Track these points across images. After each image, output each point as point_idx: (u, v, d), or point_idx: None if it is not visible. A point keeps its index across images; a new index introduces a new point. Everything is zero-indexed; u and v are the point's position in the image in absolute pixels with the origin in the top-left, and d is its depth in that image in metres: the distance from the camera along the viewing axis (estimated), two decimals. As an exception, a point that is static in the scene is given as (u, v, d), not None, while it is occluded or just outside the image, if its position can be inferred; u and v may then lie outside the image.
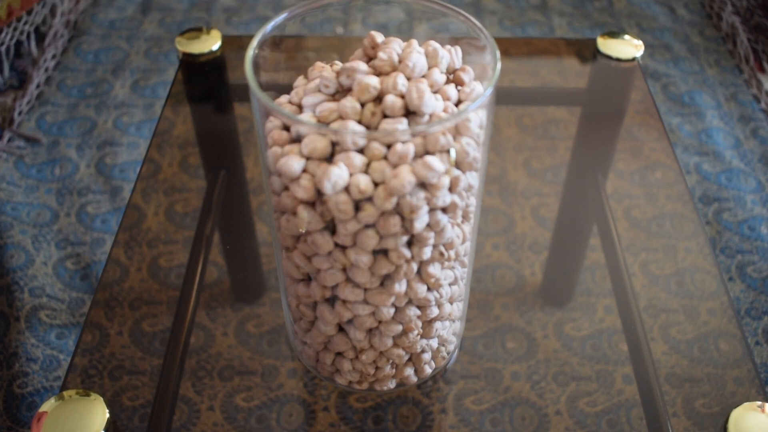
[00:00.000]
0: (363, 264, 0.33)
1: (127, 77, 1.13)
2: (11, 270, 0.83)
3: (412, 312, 0.36)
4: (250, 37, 0.35)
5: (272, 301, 0.49)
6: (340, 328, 0.38)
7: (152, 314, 0.48)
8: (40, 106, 1.07)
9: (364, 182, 0.30)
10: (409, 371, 0.41)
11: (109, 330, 0.47)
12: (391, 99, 0.32)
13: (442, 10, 0.37)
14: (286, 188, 0.33)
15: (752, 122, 1.06)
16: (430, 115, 0.33)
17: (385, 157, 0.31)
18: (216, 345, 0.46)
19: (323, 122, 0.33)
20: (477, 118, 0.32)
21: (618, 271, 0.50)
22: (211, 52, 0.65)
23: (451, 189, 0.32)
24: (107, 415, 0.39)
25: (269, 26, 0.36)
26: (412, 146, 0.31)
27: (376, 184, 0.31)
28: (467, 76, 0.35)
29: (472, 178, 0.34)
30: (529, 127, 0.63)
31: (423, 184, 0.31)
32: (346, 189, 0.31)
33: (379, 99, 0.32)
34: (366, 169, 0.31)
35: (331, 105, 0.33)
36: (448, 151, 0.31)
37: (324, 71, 0.35)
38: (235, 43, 0.67)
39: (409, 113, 0.32)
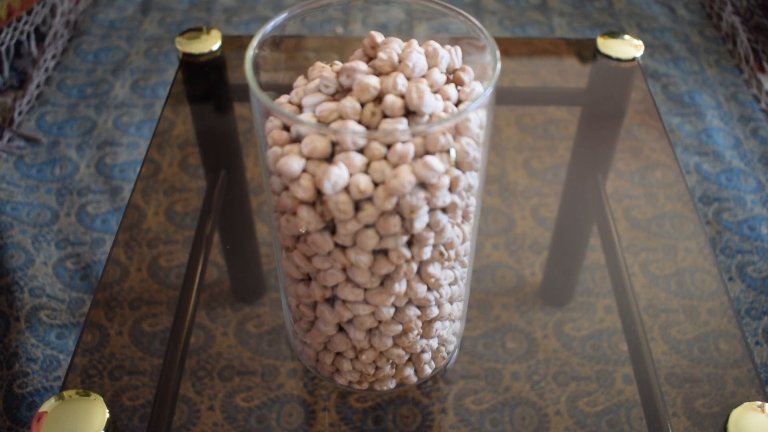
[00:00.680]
0: (363, 264, 0.33)
1: (127, 77, 1.13)
2: (11, 270, 0.83)
3: (412, 312, 0.36)
4: (250, 37, 0.35)
5: (272, 301, 0.49)
6: (340, 328, 0.38)
7: (152, 314, 0.47)
8: (40, 106, 1.07)
9: (364, 182, 0.30)
10: (409, 371, 0.41)
11: (109, 330, 0.47)
12: (391, 99, 0.32)
13: (442, 10, 0.37)
14: (286, 188, 0.33)
15: (752, 122, 1.06)
16: (430, 115, 0.33)
17: (385, 157, 0.31)
18: (216, 345, 0.46)
19: (323, 122, 0.33)
20: (477, 118, 0.32)
21: (618, 271, 0.50)
22: (211, 52, 0.65)
23: (451, 189, 0.32)
24: (107, 415, 0.39)
25: (269, 26, 0.36)
26: (412, 146, 0.31)
27: (376, 184, 0.31)
28: (467, 76, 0.35)
29: (472, 178, 0.34)
30: (529, 127, 0.63)
31: (423, 184, 0.31)
32: (346, 189, 0.31)
33: (379, 99, 0.32)
34: (366, 169, 0.31)
35: (331, 105, 0.33)
36: (448, 151, 0.31)
37: (324, 71, 0.35)
38: (235, 43, 0.67)
39: (409, 113, 0.32)
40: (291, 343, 0.44)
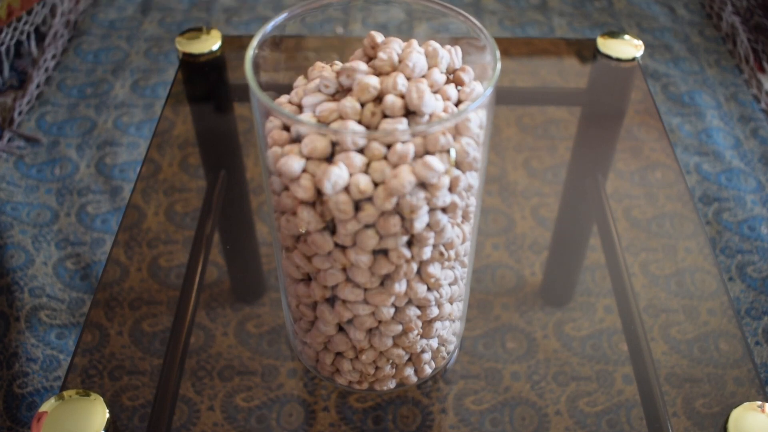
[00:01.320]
0: (363, 264, 0.33)
1: (127, 77, 1.13)
2: (11, 270, 0.83)
3: (412, 312, 0.36)
4: (250, 37, 0.35)
5: (272, 301, 0.49)
6: (340, 328, 0.38)
7: (152, 314, 0.47)
8: (40, 106, 1.07)
9: (364, 182, 0.30)
10: (409, 371, 0.41)
11: (109, 330, 0.47)
12: (391, 99, 0.32)
13: (442, 10, 0.37)
14: (286, 188, 0.33)
15: (752, 122, 1.06)
16: (430, 115, 0.33)
17: (385, 157, 0.31)
18: (216, 345, 0.46)
19: (323, 122, 0.33)
20: (477, 118, 0.32)
21: (618, 271, 0.50)
22: (211, 52, 0.65)
23: (451, 189, 0.32)
24: (107, 415, 0.39)
25: (269, 26, 0.36)
26: (412, 146, 0.31)
27: (376, 184, 0.31)
28: (467, 76, 0.35)
29: (472, 178, 0.34)
30: (529, 127, 0.63)
31: (423, 184, 0.31)
32: (346, 189, 0.31)
33: (379, 99, 0.32)
34: (366, 169, 0.31)
35: (331, 105, 0.33)
36: (448, 151, 0.31)
37: (324, 71, 0.35)
38: (235, 43, 0.67)
39: (409, 113, 0.32)
40: (291, 343, 0.44)
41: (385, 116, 0.32)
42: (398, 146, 0.30)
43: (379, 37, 0.35)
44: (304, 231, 0.33)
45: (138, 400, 0.43)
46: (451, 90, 0.34)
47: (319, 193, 0.32)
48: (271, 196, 0.35)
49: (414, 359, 0.40)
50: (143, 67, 1.15)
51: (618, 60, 0.65)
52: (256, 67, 0.34)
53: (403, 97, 0.32)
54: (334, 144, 0.31)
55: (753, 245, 0.87)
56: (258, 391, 0.43)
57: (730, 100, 1.10)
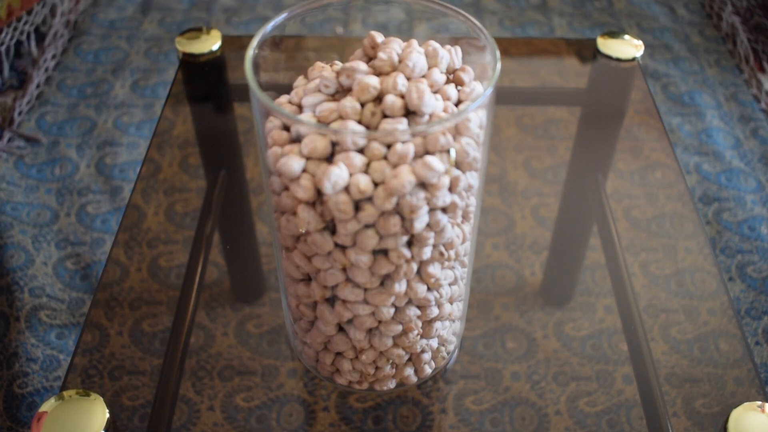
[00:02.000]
0: (363, 264, 0.33)
1: (127, 77, 1.13)
2: (11, 270, 0.83)
3: (412, 312, 0.36)
4: (250, 37, 0.35)
5: (272, 301, 0.49)
6: (340, 328, 0.38)
7: (152, 314, 0.47)
8: (40, 106, 1.07)
9: (364, 182, 0.30)
10: (409, 371, 0.41)
11: (109, 330, 0.47)
12: (391, 99, 0.32)
13: (442, 10, 0.37)
14: (286, 188, 0.33)
15: (752, 122, 1.06)
16: (430, 115, 0.33)
17: (385, 157, 0.31)
18: (216, 345, 0.46)
19: (323, 122, 0.33)
20: (477, 118, 0.32)
21: (618, 271, 0.50)
22: (211, 52, 0.65)
23: (451, 189, 0.32)
24: (107, 415, 0.39)
25: (269, 26, 0.36)
26: (412, 146, 0.31)
27: (376, 184, 0.31)
28: (467, 76, 0.35)
29: (472, 178, 0.34)
30: (529, 127, 0.63)
31: (423, 184, 0.31)
32: (346, 189, 0.31)
33: (379, 99, 0.32)
34: (366, 169, 0.31)
35: (331, 105, 0.33)
36: (448, 151, 0.31)
37: (324, 71, 0.35)
38: (235, 43, 0.67)
39: (409, 113, 0.32)
40: (291, 343, 0.44)
41: (385, 116, 0.32)
42: (398, 146, 0.30)
43: (379, 37, 0.35)
44: (304, 231, 0.33)
45: (138, 400, 0.43)
46: (451, 90, 0.34)
47: (319, 193, 0.32)
48: (271, 196, 0.35)
49: (414, 359, 0.40)
50: (143, 67, 1.15)
51: (618, 60, 0.65)
52: (256, 67, 0.34)
53: (403, 97, 0.32)
54: (334, 144, 0.31)
55: (753, 245, 0.87)
56: (258, 391, 0.43)
57: (730, 100, 1.10)
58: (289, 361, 0.45)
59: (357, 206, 0.31)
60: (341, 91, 0.34)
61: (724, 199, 0.94)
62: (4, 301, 0.80)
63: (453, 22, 0.36)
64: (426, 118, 0.32)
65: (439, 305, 0.37)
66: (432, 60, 0.34)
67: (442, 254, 0.34)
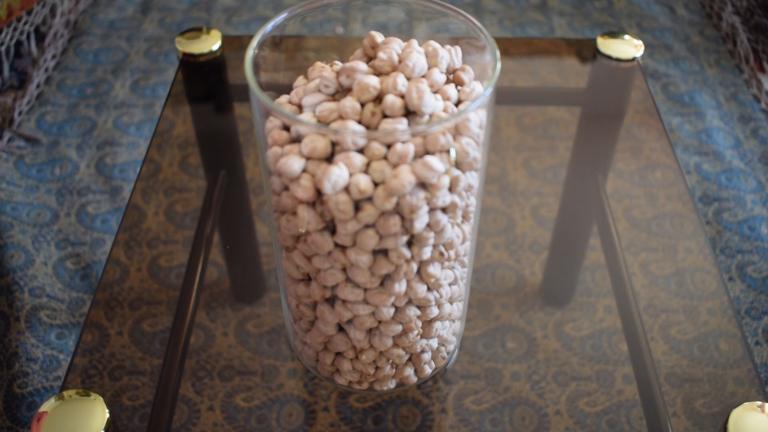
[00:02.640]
0: (363, 264, 0.33)
1: (127, 77, 1.13)
2: (11, 270, 0.83)
3: (412, 312, 0.36)
4: (250, 37, 0.35)
5: (272, 301, 0.49)
6: (340, 328, 0.38)
7: (152, 314, 0.48)
8: (40, 106, 1.07)
9: (364, 182, 0.30)
10: (409, 371, 0.41)
11: (109, 330, 0.47)
12: (391, 99, 0.32)
13: (442, 10, 0.37)
14: (286, 188, 0.33)
15: (752, 122, 1.06)
16: (430, 115, 0.33)
17: (385, 157, 0.31)
18: (216, 345, 0.46)
19: (323, 122, 0.33)
20: (477, 118, 0.32)
21: (618, 271, 0.50)
22: (211, 52, 0.65)
23: (450, 189, 0.32)
24: (107, 415, 0.39)
25: (269, 26, 0.36)
26: (412, 146, 0.31)
27: (376, 184, 0.31)
28: (467, 76, 0.35)
29: (471, 178, 0.34)
30: (529, 127, 0.63)
31: (423, 184, 0.31)
32: (346, 189, 0.31)
33: (379, 99, 0.32)
34: (366, 169, 0.31)
35: (331, 105, 0.33)
36: (448, 151, 0.31)
37: (324, 71, 0.35)
38: (235, 43, 0.67)
39: (409, 113, 0.32)
40: (291, 343, 0.44)
41: (385, 116, 0.32)
42: (398, 146, 0.30)
43: (379, 37, 0.35)
44: (304, 231, 0.33)
45: (138, 400, 0.43)
46: (451, 90, 0.34)
47: (319, 193, 0.32)
48: (271, 196, 0.35)
49: (414, 359, 0.40)
50: (143, 67, 1.15)
51: (618, 60, 0.65)
52: (256, 67, 0.34)
53: (403, 97, 0.32)
54: (334, 144, 0.31)
55: (753, 245, 0.87)
56: (258, 391, 0.43)
57: (730, 100, 1.10)
58: (289, 361, 0.45)
59: (357, 206, 0.31)
60: (341, 91, 0.34)
61: (724, 199, 0.94)
62: (4, 301, 0.80)
63: (453, 22, 0.36)
64: (426, 118, 0.32)
65: (439, 305, 0.37)
66: (432, 60, 0.34)
67: (442, 254, 0.34)
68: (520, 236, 0.53)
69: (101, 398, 0.40)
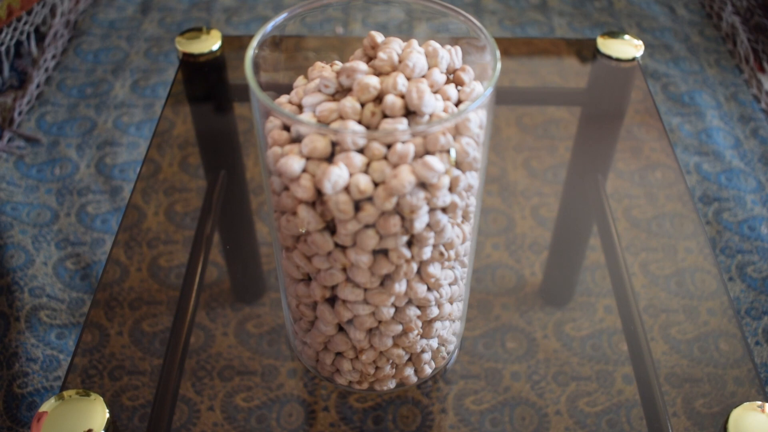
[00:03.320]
0: (363, 264, 0.33)
1: (127, 77, 1.13)
2: (11, 270, 0.83)
3: (412, 312, 0.36)
4: (250, 37, 0.35)
5: (272, 301, 0.49)
6: (340, 328, 0.38)
7: (152, 314, 0.48)
8: (40, 106, 1.07)
9: (364, 182, 0.30)
10: (409, 371, 0.41)
11: (109, 330, 0.47)
12: (391, 99, 0.32)
13: (442, 10, 0.37)
14: (286, 188, 0.33)
15: (752, 122, 1.06)
16: (430, 115, 0.33)
17: (385, 157, 0.31)
18: (216, 345, 0.46)
19: (323, 122, 0.33)
20: (477, 118, 0.32)
21: (618, 271, 0.50)
22: (211, 52, 0.65)
23: (451, 189, 0.32)
24: (107, 415, 0.39)
25: (269, 26, 0.36)
26: (412, 146, 0.31)
27: (376, 184, 0.31)
28: (467, 76, 0.35)
29: (472, 178, 0.34)
30: (529, 127, 0.63)
31: (423, 184, 0.31)
32: (346, 189, 0.31)
33: (379, 99, 0.32)
34: (366, 169, 0.31)
35: (331, 105, 0.33)
36: (448, 151, 0.31)
37: (324, 71, 0.35)
38: (235, 43, 0.67)
39: (409, 113, 0.32)
40: (291, 343, 0.44)
41: (385, 116, 0.32)
42: (398, 146, 0.30)
43: (379, 37, 0.35)
44: (304, 231, 0.33)
45: (138, 400, 0.43)
46: (451, 90, 0.34)
47: (319, 193, 0.32)
48: (271, 196, 0.35)
49: (414, 359, 0.40)
50: (143, 67, 1.15)
51: (618, 60, 0.65)
52: (256, 67, 0.34)
53: (403, 97, 0.32)
54: (334, 144, 0.31)
55: (753, 245, 0.87)
56: (258, 391, 0.43)
57: (730, 100, 1.10)
58: (289, 361, 0.45)
59: (357, 206, 0.31)
60: (341, 91, 0.34)
61: (724, 199, 0.94)
62: (4, 301, 0.80)
63: (453, 22, 0.36)
64: (426, 118, 0.32)
65: (439, 305, 0.37)
66: (432, 60, 0.34)
67: (442, 254, 0.34)
68: (520, 236, 0.53)
69: (101, 398, 0.40)
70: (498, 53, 0.34)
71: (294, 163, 0.31)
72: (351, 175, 0.31)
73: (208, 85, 0.66)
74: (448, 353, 0.43)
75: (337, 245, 0.33)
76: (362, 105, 0.32)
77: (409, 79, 0.33)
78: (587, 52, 0.70)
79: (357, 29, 1.09)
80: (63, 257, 0.85)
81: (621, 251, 0.51)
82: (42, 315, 0.79)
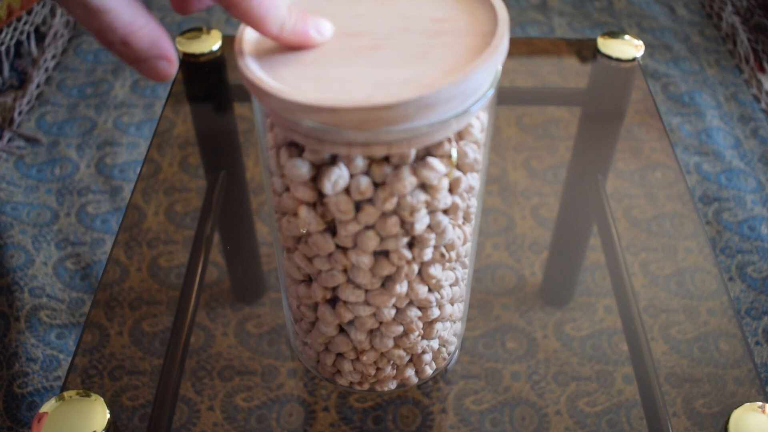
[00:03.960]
0: (364, 265, 0.33)
1: (127, 77, 1.13)
2: (11, 270, 0.83)
3: (413, 313, 0.36)
4: (251, 38, 0.35)
5: (272, 301, 0.49)
6: (341, 329, 0.38)
7: (152, 314, 0.48)
8: (40, 106, 1.07)
9: (364, 183, 0.30)
10: (410, 372, 0.41)
11: (109, 330, 0.47)
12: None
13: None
14: (287, 189, 0.33)
15: (752, 122, 1.06)
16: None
17: (386, 158, 0.31)
18: (216, 345, 0.46)
19: (324, 123, 0.32)
20: (478, 119, 0.32)
21: (618, 271, 0.50)
22: (211, 52, 0.65)
23: (451, 190, 0.32)
24: (107, 416, 0.39)
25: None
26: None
27: (376, 185, 0.31)
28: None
29: (472, 179, 0.34)
30: (529, 127, 0.63)
31: (424, 186, 0.31)
32: (347, 190, 0.31)
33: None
34: (367, 170, 0.31)
35: (332, 105, 0.33)
36: (449, 153, 0.31)
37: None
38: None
39: (410, 114, 0.32)
40: (291, 343, 0.44)
41: (385, 117, 0.32)
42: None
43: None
44: (304, 232, 0.33)
45: (138, 400, 0.43)
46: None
47: (319, 193, 0.32)
48: (272, 197, 0.35)
49: (415, 360, 0.40)
50: (143, 67, 1.15)
51: (618, 60, 0.65)
52: (257, 67, 0.34)
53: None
54: (334, 145, 0.31)
55: (753, 245, 0.87)
56: (258, 391, 0.43)
57: (730, 100, 1.10)
58: (289, 361, 0.45)
59: (358, 207, 0.31)
60: (342, 92, 0.34)
61: (724, 199, 0.94)
62: (4, 301, 0.80)
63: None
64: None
65: (440, 306, 0.37)
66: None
67: (443, 255, 0.34)
68: (520, 236, 0.53)
69: (101, 398, 0.40)
70: (498, 54, 0.34)
71: (302, 167, 0.31)
72: (352, 176, 0.31)
73: (208, 85, 0.66)
74: (449, 354, 0.43)
75: (338, 246, 0.33)
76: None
77: (409, 79, 0.33)
78: (587, 52, 0.70)
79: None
80: (63, 257, 0.85)
81: (621, 251, 0.51)
82: (42, 315, 0.79)
